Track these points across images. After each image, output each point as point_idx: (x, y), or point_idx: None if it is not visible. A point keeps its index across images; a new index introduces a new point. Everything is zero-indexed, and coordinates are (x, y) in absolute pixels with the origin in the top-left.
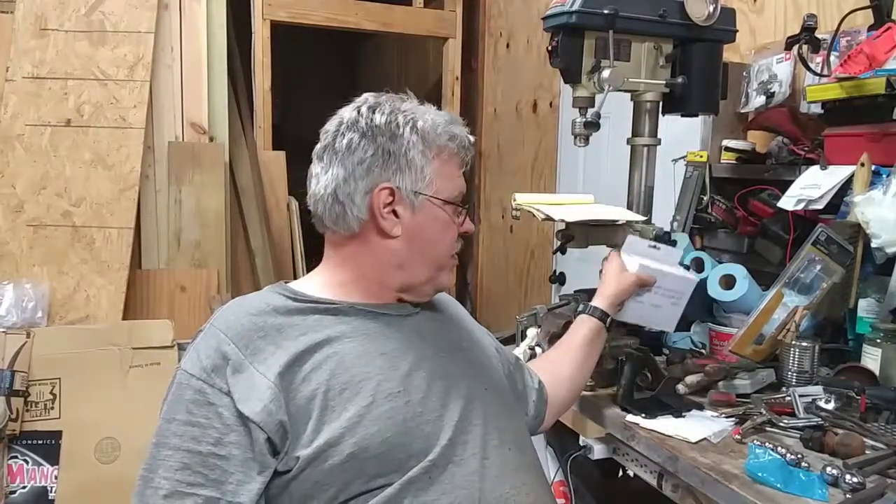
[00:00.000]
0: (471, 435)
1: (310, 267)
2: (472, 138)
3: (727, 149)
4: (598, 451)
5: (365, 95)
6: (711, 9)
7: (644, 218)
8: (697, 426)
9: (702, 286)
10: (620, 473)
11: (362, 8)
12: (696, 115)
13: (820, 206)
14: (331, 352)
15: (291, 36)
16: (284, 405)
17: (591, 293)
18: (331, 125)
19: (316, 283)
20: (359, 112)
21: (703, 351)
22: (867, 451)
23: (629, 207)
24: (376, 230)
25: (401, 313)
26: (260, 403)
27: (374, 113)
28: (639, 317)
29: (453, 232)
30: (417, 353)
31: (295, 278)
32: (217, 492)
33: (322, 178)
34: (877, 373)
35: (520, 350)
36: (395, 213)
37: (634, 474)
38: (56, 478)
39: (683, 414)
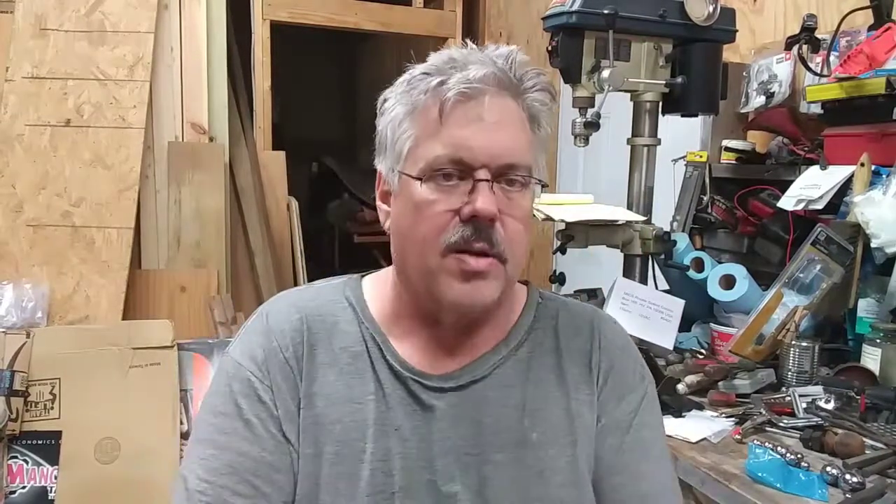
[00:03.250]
0: None
1: (309, 267)
2: (497, 63)
3: (727, 149)
4: None
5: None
6: (711, 9)
7: (644, 218)
8: (697, 426)
9: (702, 286)
10: None
11: (362, 8)
12: (696, 115)
13: (820, 206)
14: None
15: (291, 36)
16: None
17: (590, 293)
18: None
19: (381, 292)
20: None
21: (704, 351)
22: (867, 451)
23: (629, 207)
24: None
25: (448, 385)
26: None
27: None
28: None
29: (435, 209)
30: (443, 454)
31: (294, 279)
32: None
33: None
34: (876, 373)
35: None
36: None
37: None
38: (56, 478)
39: (683, 414)
